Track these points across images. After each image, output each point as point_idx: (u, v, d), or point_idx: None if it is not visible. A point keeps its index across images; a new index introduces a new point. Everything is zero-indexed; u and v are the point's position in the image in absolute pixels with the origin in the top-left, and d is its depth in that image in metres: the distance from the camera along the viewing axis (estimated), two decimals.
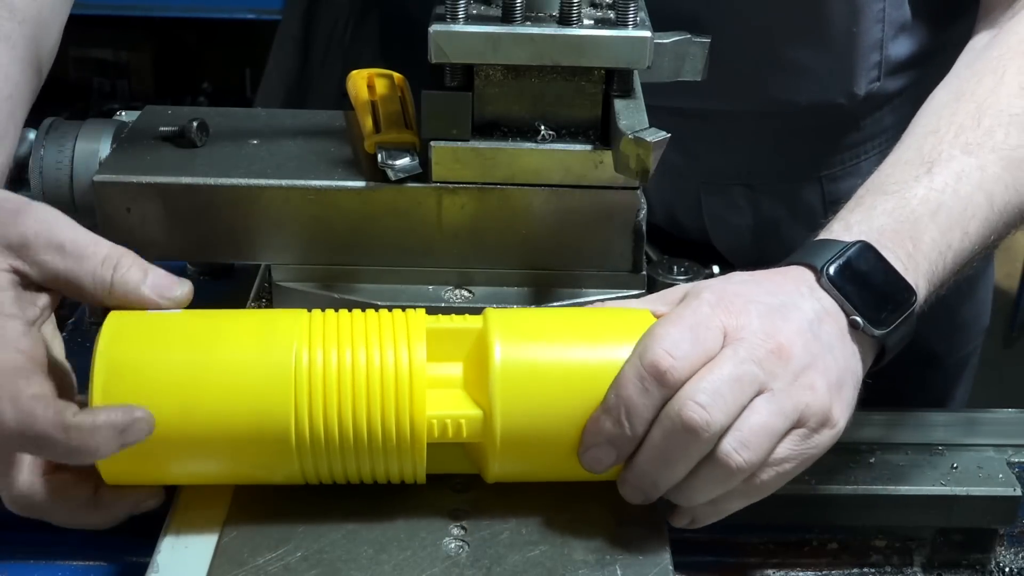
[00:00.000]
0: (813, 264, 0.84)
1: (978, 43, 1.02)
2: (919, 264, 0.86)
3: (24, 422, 0.73)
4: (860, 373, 0.83)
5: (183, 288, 0.82)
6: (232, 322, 0.80)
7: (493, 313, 0.81)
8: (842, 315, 0.83)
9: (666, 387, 0.76)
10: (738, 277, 0.84)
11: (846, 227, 0.87)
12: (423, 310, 0.81)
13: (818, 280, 0.83)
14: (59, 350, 0.84)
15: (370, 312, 0.80)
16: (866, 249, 0.84)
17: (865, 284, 0.83)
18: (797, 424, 0.78)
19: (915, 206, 0.87)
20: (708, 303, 0.79)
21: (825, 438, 0.80)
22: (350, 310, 0.81)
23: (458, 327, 0.81)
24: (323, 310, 0.81)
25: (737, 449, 0.76)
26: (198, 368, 0.77)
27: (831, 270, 0.83)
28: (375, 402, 0.76)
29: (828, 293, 0.83)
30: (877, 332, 0.83)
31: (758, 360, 0.77)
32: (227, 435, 0.76)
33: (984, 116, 0.92)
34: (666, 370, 0.76)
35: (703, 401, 0.75)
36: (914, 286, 0.85)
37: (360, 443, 0.76)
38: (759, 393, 0.77)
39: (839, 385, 0.80)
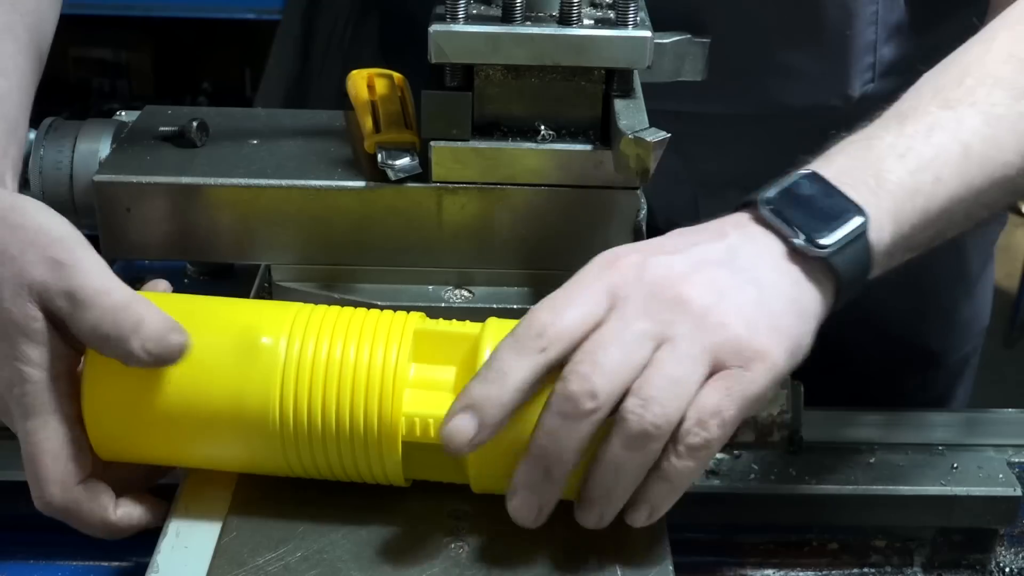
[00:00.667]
0: (751, 200, 0.79)
1: None
2: (881, 199, 0.79)
3: (72, 510, 0.78)
4: (806, 302, 0.77)
5: (179, 338, 0.76)
6: (218, 308, 0.81)
7: (493, 322, 0.80)
8: (777, 242, 0.77)
9: (547, 351, 0.72)
10: (672, 233, 0.80)
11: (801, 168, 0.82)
12: (414, 313, 0.81)
13: (753, 214, 0.78)
14: None
15: (370, 311, 0.80)
16: (812, 177, 0.79)
17: (806, 206, 0.78)
18: (715, 367, 0.73)
19: (881, 149, 0.82)
20: (597, 265, 0.76)
21: (759, 374, 0.73)
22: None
23: (454, 331, 0.80)
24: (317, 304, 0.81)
25: (639, 409, 0.71)
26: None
27: (768, 195, 0.78)
28: (358, 393, 0.76)
29: (762, 223, 0.78)
30: (819, 251, 0.76)
31: (650, 313, 0.73)
32: (210, 415, 0.76)
33: (967, 77, 0.87)
34: (542, 330, 0.72)
35: (584, 371, 0.71)
36: (866, 211, 0.78)
37: (341, 431, 0.76)
38: (660, 347, 0.73)
39: (767, 315, 0.74)
